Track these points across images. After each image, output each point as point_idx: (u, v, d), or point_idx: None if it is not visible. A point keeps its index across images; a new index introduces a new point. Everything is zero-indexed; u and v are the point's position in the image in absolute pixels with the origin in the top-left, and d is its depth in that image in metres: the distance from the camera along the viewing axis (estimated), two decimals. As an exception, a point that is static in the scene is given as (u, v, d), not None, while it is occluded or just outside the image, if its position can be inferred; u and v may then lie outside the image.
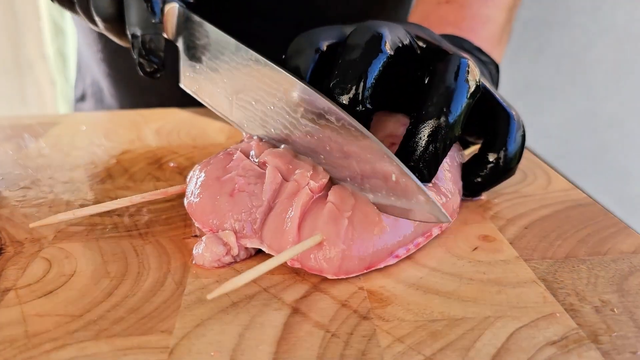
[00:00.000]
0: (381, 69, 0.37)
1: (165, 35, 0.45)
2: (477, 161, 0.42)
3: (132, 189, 0.47)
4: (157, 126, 0.62)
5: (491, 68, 0.53)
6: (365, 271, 0.34)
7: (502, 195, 0.45)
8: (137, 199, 0.38)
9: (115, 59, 0.76)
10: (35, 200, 0.45)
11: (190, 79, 0.47)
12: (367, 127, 0.38)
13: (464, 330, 0.29)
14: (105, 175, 0.50)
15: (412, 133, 0.37)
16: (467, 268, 0.35)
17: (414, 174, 0.34)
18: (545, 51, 1.35)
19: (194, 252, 0.36)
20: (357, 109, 0.37)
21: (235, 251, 0.35)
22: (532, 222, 0.41)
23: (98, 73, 0.80)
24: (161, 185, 0.47)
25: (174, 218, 0.41)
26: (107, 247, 0.38)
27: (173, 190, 0.40)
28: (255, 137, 0.43)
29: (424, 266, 0.35)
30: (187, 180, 0.41)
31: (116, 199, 0.45)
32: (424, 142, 0.36)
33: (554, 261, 0.36)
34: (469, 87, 0.37)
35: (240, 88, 0.42)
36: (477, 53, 0.53)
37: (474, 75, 0.38)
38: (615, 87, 1.37)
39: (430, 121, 0.36)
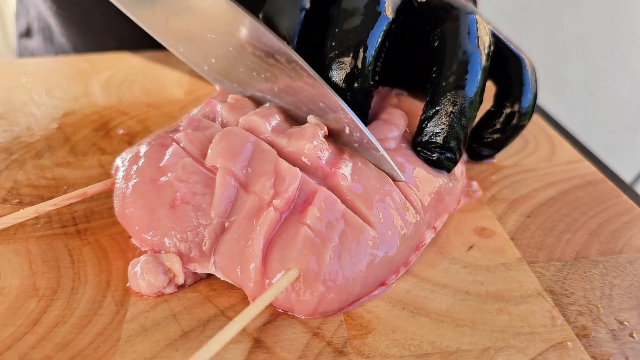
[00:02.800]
0: (383, 36, 0.32)
1: None
2: (492, 115, 0.37)
3: (72, 165, 0.40)
4: (107, 76, 0.54)
5: None
6: (347, 309, 0.28)
7: (502, 170, 0.39)
8: (46, 207, 0.31)
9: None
10: (-43, 183, 0.38)
11: None
12: (369, 104, 0.34)
13: (459, 369, 0.25)
14: (43, 146, 0.43)
15: (432, 110, 0.32)
16: (462, 276, 0.30)
17: (443, 154, 0.32)
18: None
19: (129, 272, 0.29)
20: (356, 85, 0.32)
21: (180, 280, 0.28)
22: (535, 207, 0.35)
23: (44, 9, 0.70)
24: (106, 159, 0.41)
25: (119, 207, 0.35)
26: (38, 251, 0.32)
27: (94, 189, 0.32)
28: (191, 115, 0.35)
29: (412, 274, 0.30)
30: (113, 171, 0.33)
31: (53, 179, 0.39)
32: (448, 119, 0.32)
33: (563, 264, 0.31)
34: (484, 48, 0.33)
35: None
36: None
37: (485, 31, 0.34)
38: (608, 13, 1.28)
39: (450, 94, 0.32)
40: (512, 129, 0.37)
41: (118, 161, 0.32)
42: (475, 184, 0.37)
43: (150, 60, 0.58)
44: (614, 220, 0.34)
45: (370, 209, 0.28)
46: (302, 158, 0.30)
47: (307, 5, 0.35)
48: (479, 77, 0.32)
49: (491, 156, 0.40)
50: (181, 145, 0.32)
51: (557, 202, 0.36)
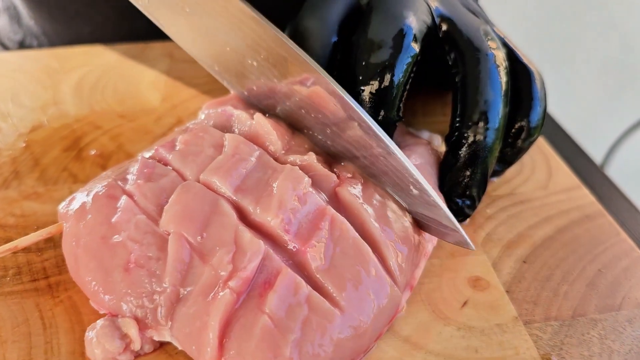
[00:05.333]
0: (409, 70, 0.32)
1: None
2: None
3: (42, 197, 0.38)
4: (77, 78, 0.51)
5: None
6: None
7: (497, 201, 0.37)
8: None
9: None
10: None
11: None
12: (391, 135, 0.33)
13: None
14: (11, 172, 0.40)
15: (453, 160, 0.33)
16: (455, 341, 0.29)
17: (464, 202, 0.33)
18: None
19: (85, 338, 0.27)
20: (380, 118, 0.32)
21: (137, 346, 0.27)
22: (531, 251, 0.34)
23: (5, -13, 0.65)
24: (78, 188, 0.38)
25: (93, 253, 0.33)
26: (7, 314, 0.30)
27: (26, 242, 0.30)
28: (145, 156, 0.33)
29: (403, 339, 0.29)
30: (59, 215, 0.31)
31: (22, 216, 0.36)
32: (470, 170, 0.33)
33: (560, 324, 0.29)
34: (503, 93, 0.33)
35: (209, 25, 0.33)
36: None
37: (504, 72, 0.33)
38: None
39: (471, 146, 0.32)
40: (521, 143, 0.36)
41: (62, 208, 0.31)
42: None
43: (125, 56, 0.54)
44: (613, 266, 0.33)
45: (341, 290, 0.26)
46: (268, 229, 0.28)
47: (335, 36, 0.34)
48: (499, 125, 0.32)
49: (502, 171, 0.38)
50: (134, 198, 0.30)
51: (554, 243, 0.34)
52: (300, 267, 0.27)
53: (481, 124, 0.32)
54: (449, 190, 0.33)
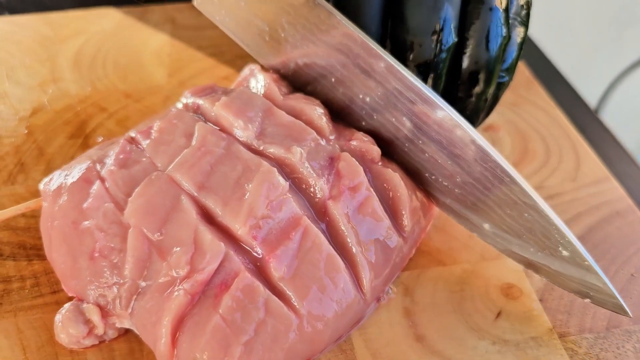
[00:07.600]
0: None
1: None
2: None
3: (52, 194, 0.36)
4: (75, 49, 0.48)
5: None
6: None
7: (524, 196, 0.36)
8: None
9: None
10: None
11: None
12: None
13: None
14: (15, 164, 0.38)
15: None
16: (491, 357, 0.28)
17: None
18: None
19: (54, 323, 0.28)
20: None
21: (100, 331, 0.27)
22: (563, 253, 0.33)
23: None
24: (90, 185, 0.36)
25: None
26: (30, 331, 0.29)
27: (2, 216, 0.31)
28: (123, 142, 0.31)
29: (433, 351, 0.28)
30: (41, 191, 0.30)
31: (32, 217, 0.35)
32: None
33: (595, 336, 0.29)
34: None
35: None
36: None
37: None
38: None
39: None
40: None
41: (43, 185, 0.30)
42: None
43: (123, 22, 0.51)
44: (646, 269, 0.32)
45: (302, 298, 0.26)
46: (235, 234, 0.27)
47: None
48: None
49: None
50: (106, 184, 0.29)
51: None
52: (262, 272, 0.27)
53: None
54: None
